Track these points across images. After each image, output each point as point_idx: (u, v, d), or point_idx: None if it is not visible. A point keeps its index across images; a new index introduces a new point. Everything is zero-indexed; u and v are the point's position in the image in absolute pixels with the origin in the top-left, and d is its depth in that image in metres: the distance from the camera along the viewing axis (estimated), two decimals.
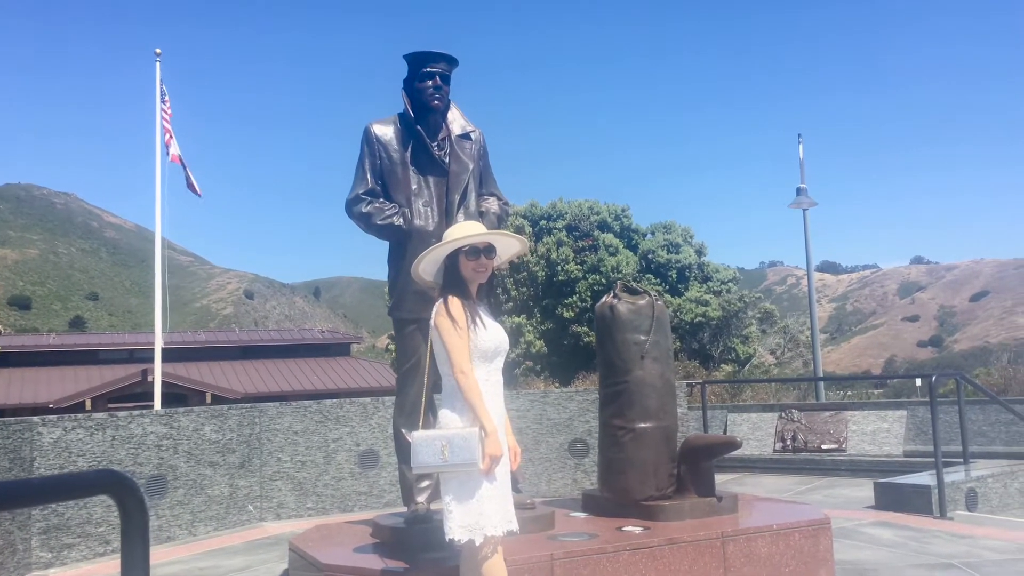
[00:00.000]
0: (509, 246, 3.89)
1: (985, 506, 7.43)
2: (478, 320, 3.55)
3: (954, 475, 7.46)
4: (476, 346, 3.52)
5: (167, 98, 16.94)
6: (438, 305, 3.59)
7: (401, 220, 4.86)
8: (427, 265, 3.75)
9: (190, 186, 17.31)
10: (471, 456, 3.29)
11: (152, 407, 16.27)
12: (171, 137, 16.82)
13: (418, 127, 4.94)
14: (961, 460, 8.30)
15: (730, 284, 30.17)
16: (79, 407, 25.38)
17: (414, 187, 4.93)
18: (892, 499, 7.22)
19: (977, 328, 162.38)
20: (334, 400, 8.55)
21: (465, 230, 3.73)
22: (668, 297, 26.97)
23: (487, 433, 3.35)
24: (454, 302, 3.54)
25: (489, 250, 3.69)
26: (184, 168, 17.05)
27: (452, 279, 3.66)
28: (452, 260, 3.66)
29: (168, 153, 16.80)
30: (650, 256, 29.52)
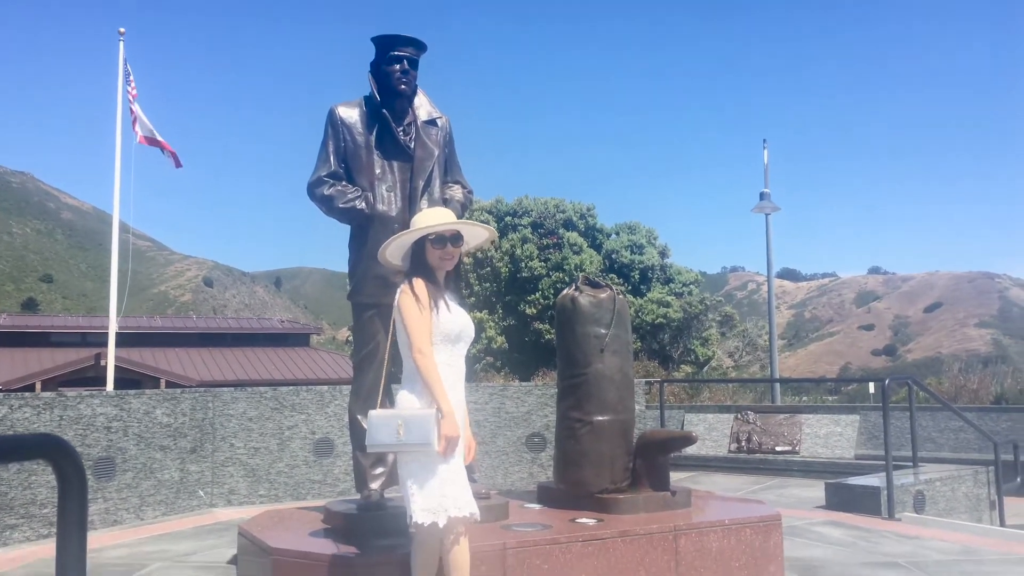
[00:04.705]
0: (476, 234, 3.88)
1: (932, 509, 7.56)
2: (442, 303, 3.53)
3: (903, 478, 7.60)
4: (439, 328, 3.49)
5: (132, 78, 16.57)
6: (403, 285, 3.57)
7: (364, 204, 4.80)
8: (394, 250, 3.74)
9: (175, 160, 16.94)
10: (426, 437, 3.25)
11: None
12: (136, 119, 16.45)
13: (384, 111, 4.88)
14: (911, 464, 8.46)
15: (692, 287, 30.46)
16: (29, 389, 24.80)
17: (378, 171, 4.87)
18: (842, 499, 7.32)
19: (930, 339, 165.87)
20: (290, 387, 8.46)
21: (432, 218, 3.70)
22: (630, 297, 27.13)
23: (443, 414, 3.32)
24: (419, 283, 3.52)
25: (456, 238, 3.67)
26: (158, 144, 16.62)
27: (418, 265, 3.64)
28: (419, 247, 3.65)
29: (136, 135, 16.42)
30: (614, 256, 29.68)
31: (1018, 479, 9.03)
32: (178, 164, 17.22)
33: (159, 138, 16.57)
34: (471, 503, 3.39)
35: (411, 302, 3.47)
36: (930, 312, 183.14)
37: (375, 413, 3.43)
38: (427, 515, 3.31)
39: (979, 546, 5.78)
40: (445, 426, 3.30)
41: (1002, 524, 8.10)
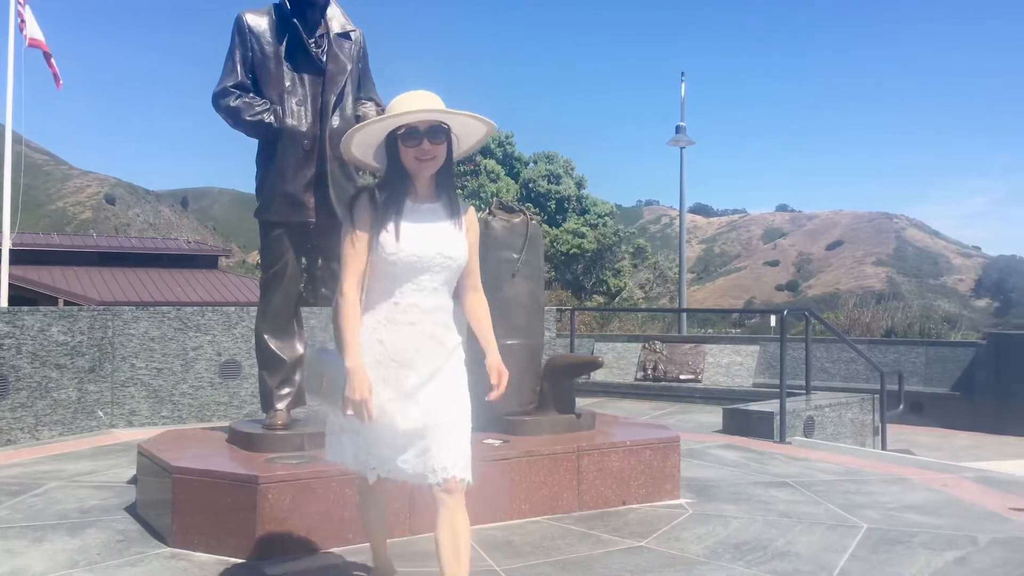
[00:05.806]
0: (469, 129, 2.90)
1: (821, 433, 7.98)
2: (390, 227, 2.74)
3: (795, 404, 7.97)
4: (382, 258, 2.75)
5: None
6: None
7: (272, 118, 4.61)
8: (360, 147, 2.88)
9: (54, 76, 15.97)
10: (335, 397, 2.76)
11: None
12: (24, 21, 15.37)
13: (295, 20, 4.67)
14: (804, 392, 8.88)
15: (607, 219, 30.80)
16: None
17: (287, 84, 4.68)
18: (739, 424, 7.65)
19: (830, 275, 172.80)
20: (195, 308, 8.25)
21: (407, 103, 2.77)
22: (546, 227, 27.30)
23: (348, 370, 2.68)
24: (361, 203, 2.79)
25: (435, 132, 2.74)
26: (46, 55, 15.65)
27: (392, 170, 2.82)
28: (392, 145, 2.79)
29: (25, 39, 15.35)
30: (531, 185, 29.69)
31: (900, 407, 9.59)
32: (58, 84, 16.30)
33: (49, 55, 15.59)
34: (375, 467, 2.84)
35: (348, 235, 2.79)
36: (832, 250, 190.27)
37: (310, 355, 2.95)
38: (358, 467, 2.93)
39: (861, 467, 6.14)
40: (348, 385, 2.68)
41: (883, 448, 8.63)
